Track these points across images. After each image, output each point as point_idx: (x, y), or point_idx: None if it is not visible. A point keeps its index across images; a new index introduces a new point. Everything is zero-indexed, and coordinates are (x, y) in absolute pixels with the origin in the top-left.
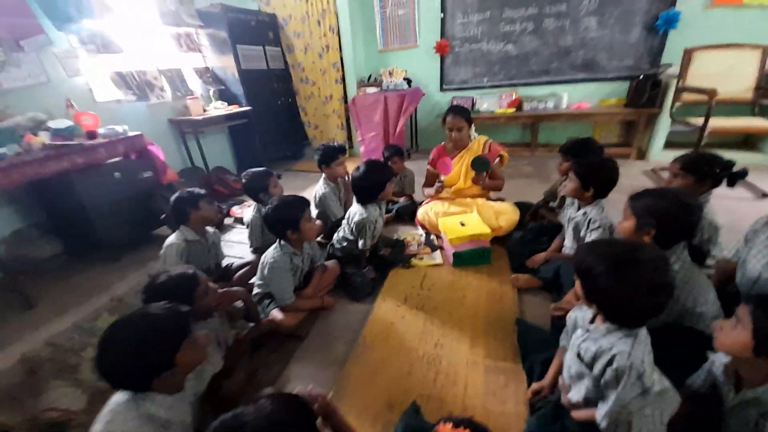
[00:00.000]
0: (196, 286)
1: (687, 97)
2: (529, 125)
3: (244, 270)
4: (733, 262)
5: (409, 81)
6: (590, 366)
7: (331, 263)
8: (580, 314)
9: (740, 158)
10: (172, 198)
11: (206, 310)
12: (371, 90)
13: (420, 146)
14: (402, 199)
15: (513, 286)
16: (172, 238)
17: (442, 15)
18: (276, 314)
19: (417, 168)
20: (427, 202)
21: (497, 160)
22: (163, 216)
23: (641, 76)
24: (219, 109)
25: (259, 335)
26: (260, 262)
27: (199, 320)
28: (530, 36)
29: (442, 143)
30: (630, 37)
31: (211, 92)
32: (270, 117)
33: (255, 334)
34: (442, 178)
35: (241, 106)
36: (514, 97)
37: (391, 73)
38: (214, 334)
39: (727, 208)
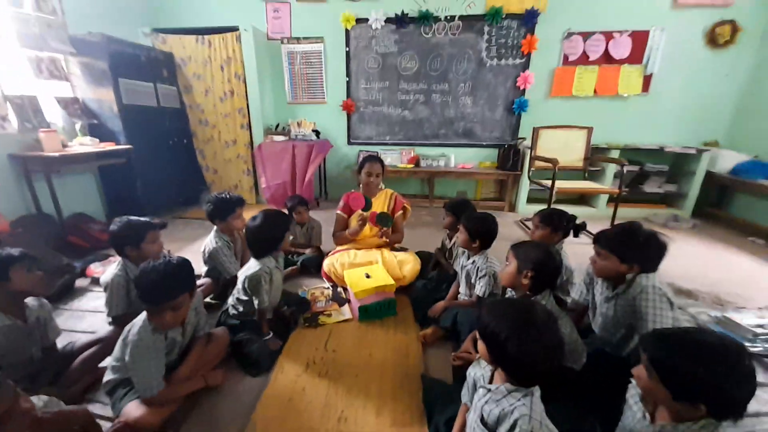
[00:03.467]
0: None
1: (538, 163)
2: (426, 179)
3: (93, 350)
4: (582, 303)
5: (317, 132)
6: (494, 430)
7: (218, 330)
8: (479, 372)
9: (579, 212)
10: None
11: None
12: (279, 138)
13: (329, 195)
14: (308, 251)
15: (421, 342)
16: None
17: (348, 79)
18: (132, 410)
19: (326, 216)
20: (333, 253)
21: (401, 212)
22: None
23: (506, 146)
24: (86, 145)
25: None
26: (122, 335)
27: None
28: (422, 106)
29: (352, 190)
30: (496, 115)
31: (77, 126)
32: (158, 158)
33: None
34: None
35: (117, 143)
36: (412, 155)
37: (299, 124)
38: None
39: (575, 253)
